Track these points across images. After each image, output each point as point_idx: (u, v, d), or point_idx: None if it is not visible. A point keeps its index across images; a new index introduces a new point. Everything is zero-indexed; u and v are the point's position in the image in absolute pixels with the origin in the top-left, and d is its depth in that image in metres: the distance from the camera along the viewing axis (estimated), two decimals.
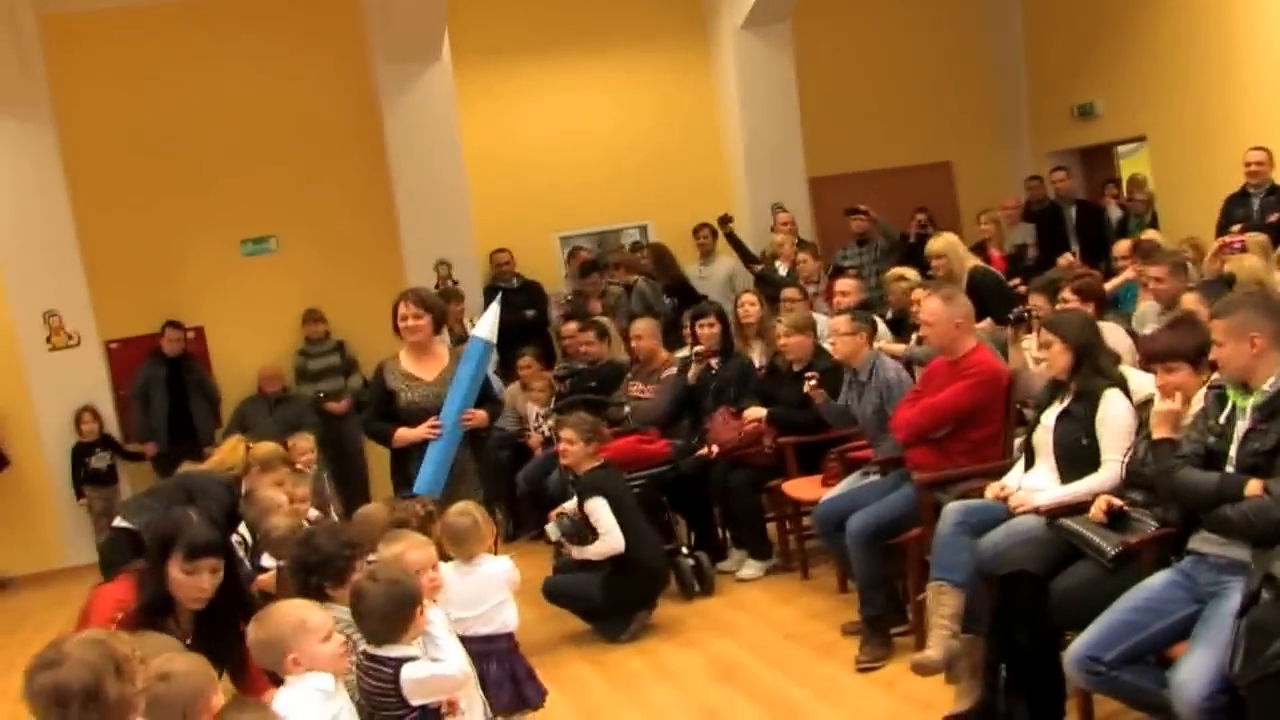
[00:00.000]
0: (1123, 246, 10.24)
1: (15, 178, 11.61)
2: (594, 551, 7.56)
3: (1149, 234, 10.39)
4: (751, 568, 8.58)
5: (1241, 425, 4.62)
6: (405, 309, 7.30)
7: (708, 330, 9.16)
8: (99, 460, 11.87)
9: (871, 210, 12.04)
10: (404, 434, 7.22)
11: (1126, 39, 13.17)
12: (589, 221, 13.69)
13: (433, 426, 7.03)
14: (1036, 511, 5.57)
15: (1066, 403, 5.81)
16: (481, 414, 7.24)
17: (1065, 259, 11.14)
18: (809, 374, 8.01)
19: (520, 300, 12.48)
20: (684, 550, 8.50)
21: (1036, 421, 5.97)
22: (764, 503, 8.71)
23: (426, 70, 12.26)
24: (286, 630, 3.93)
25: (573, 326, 11.07)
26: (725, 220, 12.30)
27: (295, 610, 4.06)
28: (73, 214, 11.82)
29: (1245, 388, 4.64)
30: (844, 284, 9.71)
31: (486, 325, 7.23)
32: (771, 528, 8.82)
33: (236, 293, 12.69)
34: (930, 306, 6.81)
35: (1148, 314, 8.19)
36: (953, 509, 5.94)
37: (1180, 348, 5.13)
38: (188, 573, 4.41)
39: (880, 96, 14.40)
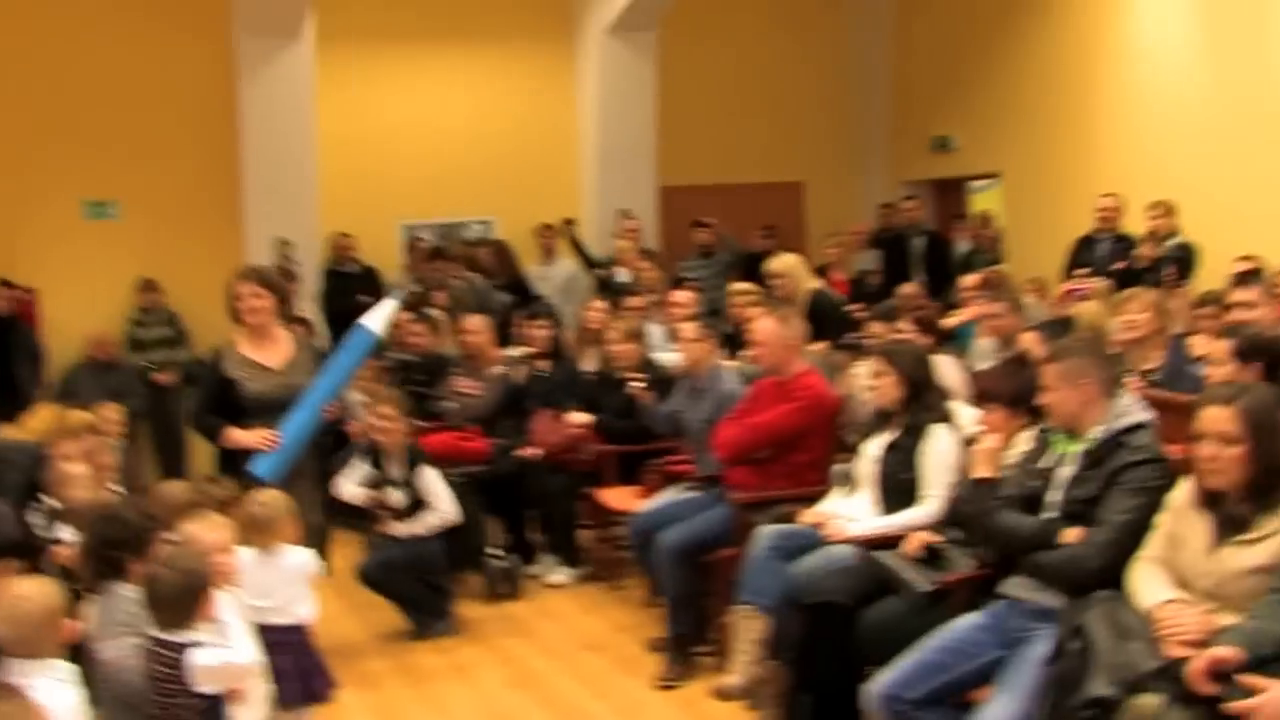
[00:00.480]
0: (969, 280, 10.17)
1: None
2: (427, 523, 7.29)
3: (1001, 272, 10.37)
4: (561, 574, 8.34)
5: (1065, 471, 4.50)
6: (244, 288, 6.60)
7: (539, 332, 8.91)
8: None
9: (717, 224, 11.85)
10: (236, 436, 6.48)
11: (988, 77, 13.20)
12: (435, 213, 13.33)
13: (270, 439, 6.31)
14: (851, 541, 5.40)
15: (893, 435, 5.67)
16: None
17: (908, 288, 11.09)
18: (636, 376, 7.80)
19: (358, 286, 12.19)
20: (494, 552, 8.22)
21: (860, 450, 5.81)
22: (579, 509, 8.46)
23: (287, 47, 11.80)
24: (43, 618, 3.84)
25: (405, 316, 10.73)
26: (568, 223, 12.09)
27: (46, 597, 3.91)
28: None
29: (1072, 434, 4.51)
30: (680, 296, 9.50)
31: (378, 318, 6.74)
32: (586, 535, 8.61)
33: (74, 256, 12.11)
34: (763, 326, 6.65)
35: (985, 349, 8.11)
36: (767, 532, 5.76)
37: (995, 389, 5.05)
38: None
39: (739, 112, 14.26)
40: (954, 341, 9.44)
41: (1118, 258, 9.91)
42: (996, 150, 13.13)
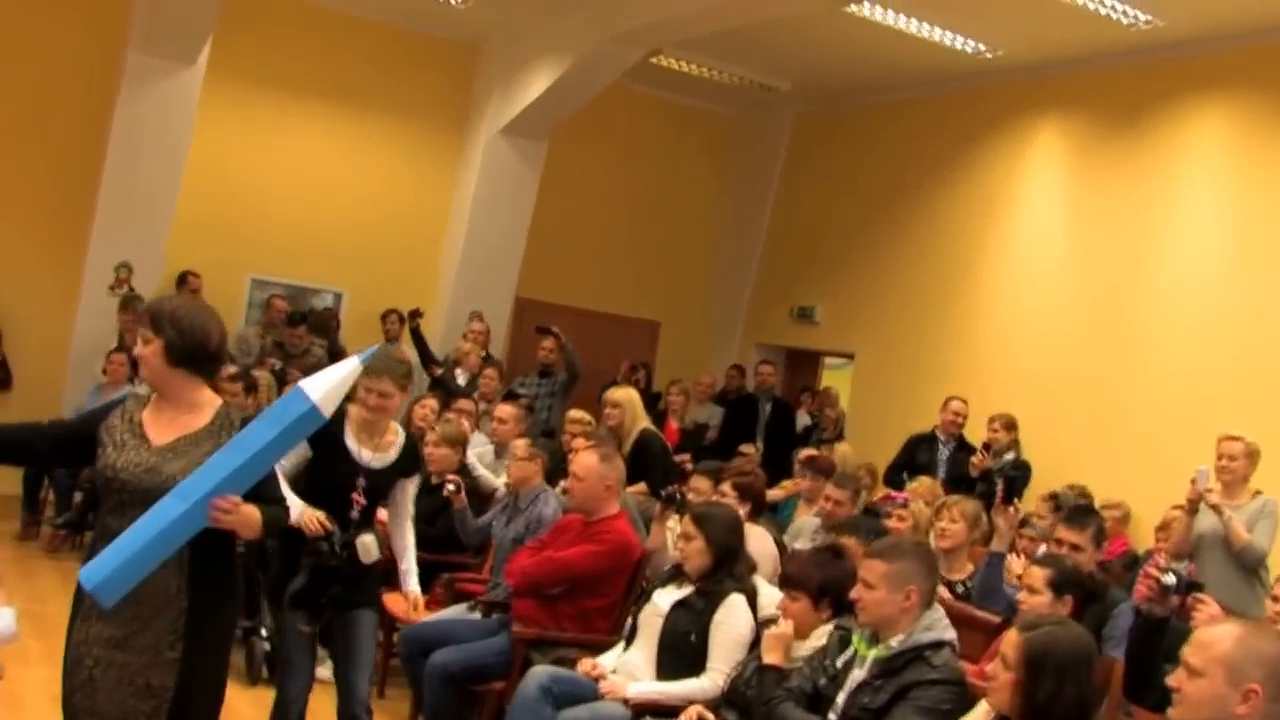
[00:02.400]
0: (803, 455, 9.99)
1: None
2: None
3: (842, 449, 10.17)
4: (327, 669, 7.81)
5: (857, 674, 4.24)
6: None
7: None
8: None
9: (563, 335, 11.52)
10: None
11: (861, 257, 13.21)
12: (286, 272, 12.90)
13: None
14: (624, 703, 5.06)
15: (686, 592, 5.35)
16: (248, 511, 3.65)
17: (749, 449, 10.93)
18: (449, 478, 7.42)
19: None
20: (263, 632, 7.69)
21: (648, 600, 5.49)
22: None
23: (177, 71, 11.38)
24: None
25: (230, 372, 10.27)
26: (415, 314, 11.72)
27: None
28: None
29: (874, 637, 4.25)
30: (504, 410, 9.07)
31: (324, 386, 3.71)
32: None
33: None
34: (585, 461, 6.33)
35: (804, 528, 7.87)
36: (541, 672, 5.37)
37: (802, 576, 4.80)
38: None
39: (611, 239, 14.17)
40: (774, 514, 9.27)
41: (955, 465, 9.80)
42: (856, 331, 13.12)
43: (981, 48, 11.36)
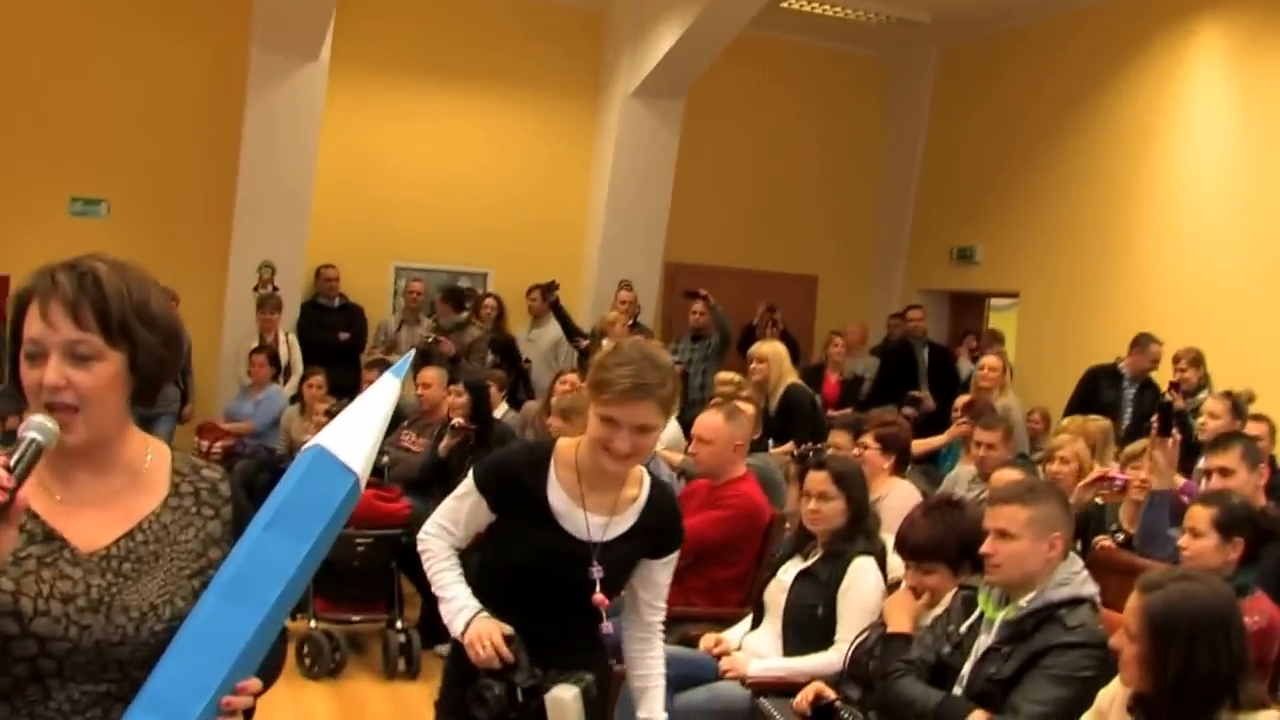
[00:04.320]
0: (960, 401, 9.29)
1: None
2: None
3: (1005, 401, 9.26)
4: None
5: (984, 640, 3.64)
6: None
7: (456, 399, 8.08)
8: None
9: (711, 297, 11.00)
10: None
11: (1020, 193, 12.39)
12: (429, 258, 12.57)
13: None
14: (744, 682, 4.53)
15: (810, 561, 4.79)
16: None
17: (922, 395, 10.57)
18: None
19: (337, 321, 11.61)
20: (397, 625, 7.33)
21: (772, 575, 4.93)
22: None
23: (301, 67, 11.17)
24: None
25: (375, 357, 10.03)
26: (551, 288, 11.30)
27: None
28: None
29: (1004, 598, 3.65)
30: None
31: (360, 444, 2.21)
32: None
33: (52, 249, 10.86)
34: (710, 422, 5.81)
35: (961, 478, 7.25)
36: None
37: (942, 544, 4.15)
38: None
39: (759, 195, 13.55)
40: (936, 464, 8.64)
41: (1142, 404, 8.93)
42: (1019, 268, 12.32)
43: None
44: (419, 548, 3.45)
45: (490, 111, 12.74)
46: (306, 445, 2.18)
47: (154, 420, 9.79)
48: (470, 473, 3.41)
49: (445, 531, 3.40)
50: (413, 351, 2.58)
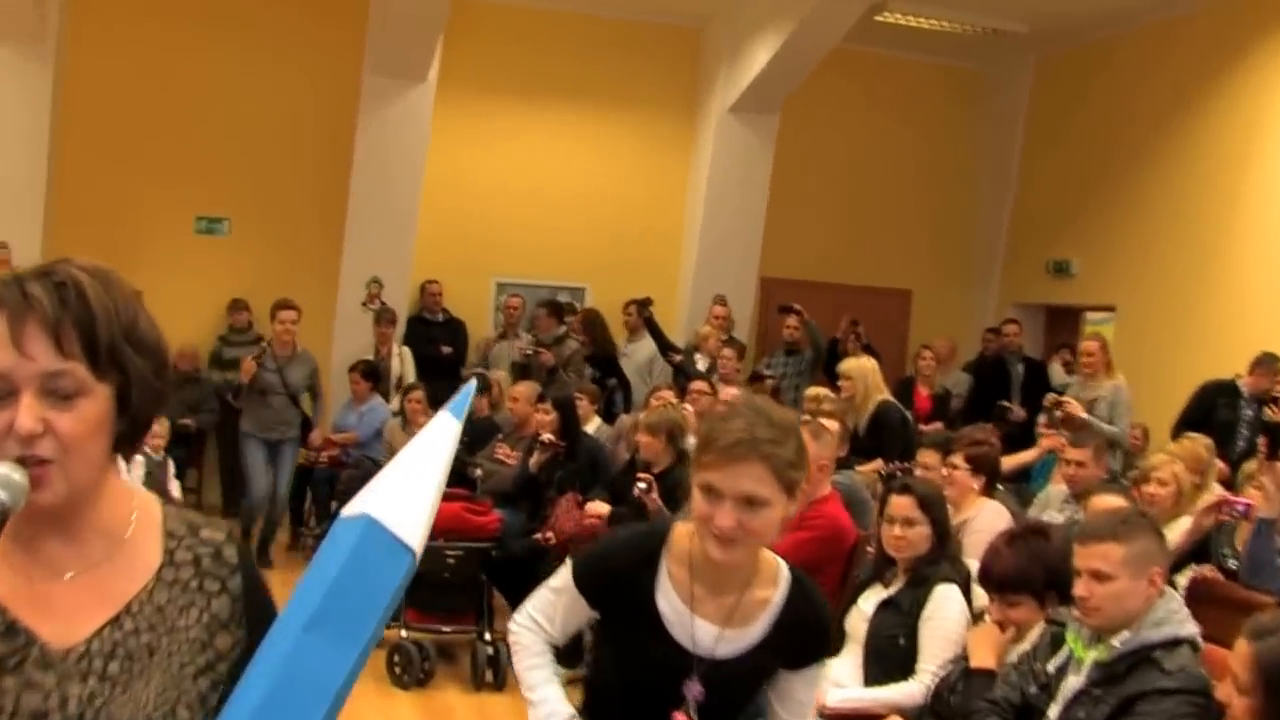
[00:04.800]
0: (1049, 398, 8.96)
1: (3, 104, 10.58)
2: None
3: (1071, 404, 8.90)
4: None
5: (1074, 681, 3.40)
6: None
7: (544, 417, 7.97)
8: None
9: (805, 312, 10.81)
10: None
11: (1117, 205, 11.98)
12: (528, 273, 12.54)
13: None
14: (822, 713, 4.34)
15: (892, 589, 4.58)
16: None
17: (1013, 407, 10.30)
18: (642, 476, 6.78)
19: (440, 335, 11.73)
20: (486, 636, 7.24)
21: (853, 603, 4.73)
22: None
23: (410, 89, 11.29)
24: None
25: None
26: (645, 303, 11.15)
27: None
28: (50, 153, 10.86)
29: (1095, 636, 3.42)
30: (728, 393, 8.45)
31: (410, 513, 1.70)
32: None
33: (178, 266, 11.56)
34: None
35: (1053, 498, 6.97)
36: None
37: (1028, 576, 3.92)
38: None
39: (854, 209, 13.28)
40: (1028, 482, 8.37)
41: (1259, 425, 8.48)
42: (1117, 281, 11.90)
43: None
44: (510, 638, 3.00)
45: (589, 129, 12.70)
46: (351, 511, 1.67)
47: (278, 446, 9.78)
48: (569, 564, 2.92)
49: (539, 626, 2.93)
50: (473, 383, 1.90)
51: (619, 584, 2.77)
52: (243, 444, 9.77)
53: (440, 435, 1.77)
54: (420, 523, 1.67)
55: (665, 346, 10.78)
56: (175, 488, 9.00)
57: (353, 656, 1.58)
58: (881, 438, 7.98)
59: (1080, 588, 3.42)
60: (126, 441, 1.61)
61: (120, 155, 11.38)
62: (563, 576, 2.89)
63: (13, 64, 10.53)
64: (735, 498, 2.52)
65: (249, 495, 9.74)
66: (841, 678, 4.57)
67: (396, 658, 7.03)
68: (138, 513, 1.66)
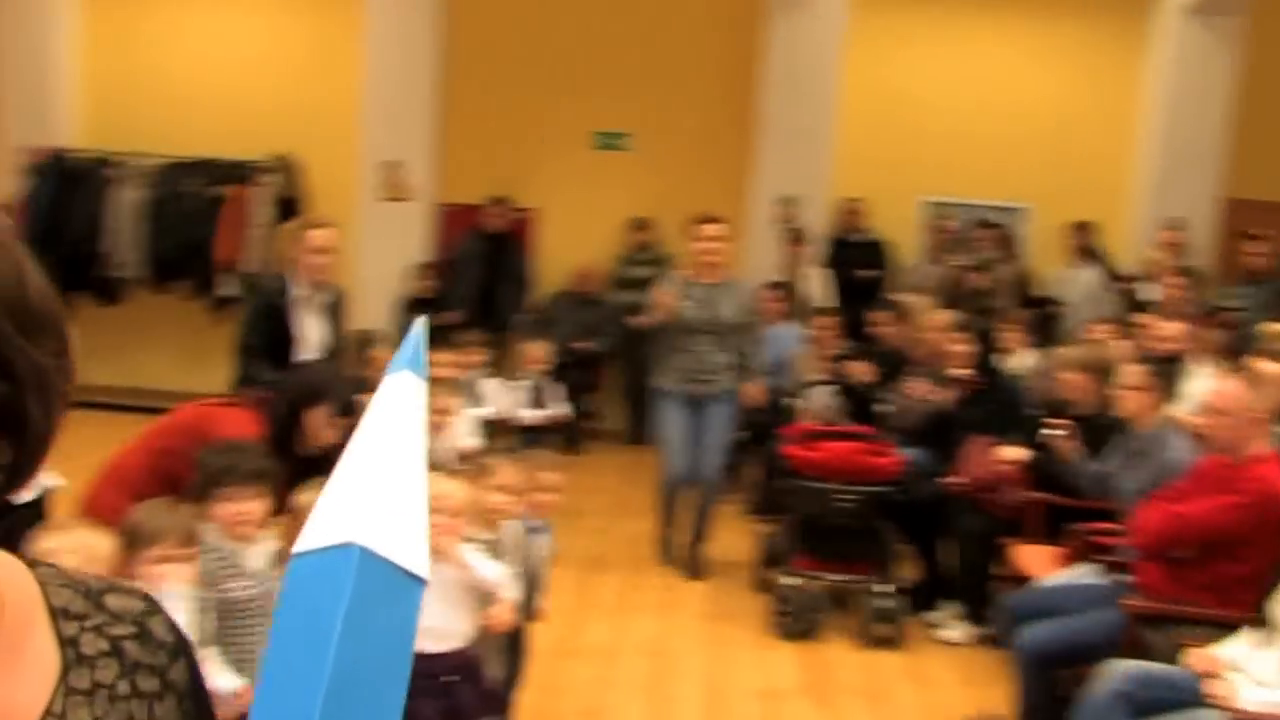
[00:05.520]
0: None
1: (392, 24, 10.81)
2: None
3: None
4: (958, 630, 6.67)
5: None
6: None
7: (957, 348, 7.22)
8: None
9: (1275, 238, 9.55)
10: None
11: None
12: (959, 192, 11.61)
13: None
14: (1235, 715, 3.59)
15: None
16: None
17: None
18: (1056, 421, 6.01)
19: (860, 257, 11.02)
20: (877, 589, 6.65)
21: None
22: (995, 559, 6.66)
23: None
24: None
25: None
26: (1082, 226, 10.15)
27: None
28: (439, 71, 11.02)
29: None
30: (1168, 328, 7.42)
31: (405, 529, 1.07)
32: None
33: (578, 183, 11.54)
34: (1225, 390, 4.80)
35: None
36: (1120, 671, 4.02)
37: None
38: (328, 424, 4.56)
39: None
40: None
41: None
42: None
43: None
44: None
45: (1026, 33, 11.65)
46: (324, 541, 1.02)
47: (703, 404, 7.55)
48: None
49: None
50: (422, 325, 1.26)
51: None
52: (657, 404, 7.77)
53: (407, 410, 1.12)
54: (422, 537, 1.07)
55: (1112, 275, 9.77)
56: (564, 409, 8.85)
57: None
58: None
59: None
60: (12, 478, 0.97)
61: (514, 72, 11.34)
62: None
63: None
64: None
65: (668, 468, 7.66)
66: (1264, 674, 3.80)
67: (779, 606, 6.58)
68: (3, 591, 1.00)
